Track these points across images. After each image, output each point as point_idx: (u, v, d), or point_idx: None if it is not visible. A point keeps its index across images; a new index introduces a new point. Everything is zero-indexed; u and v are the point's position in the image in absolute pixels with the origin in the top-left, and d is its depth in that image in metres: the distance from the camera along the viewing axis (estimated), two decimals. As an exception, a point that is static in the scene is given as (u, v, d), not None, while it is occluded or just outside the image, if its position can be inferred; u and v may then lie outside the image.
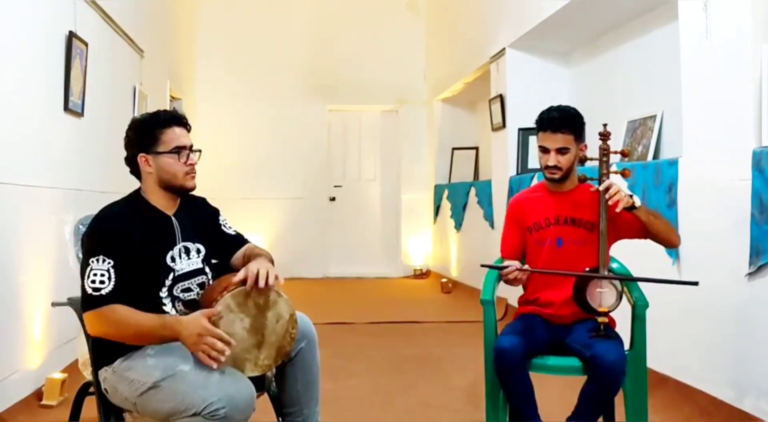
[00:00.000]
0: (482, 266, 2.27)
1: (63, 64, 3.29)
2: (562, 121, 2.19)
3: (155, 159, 1.85)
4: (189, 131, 1.92)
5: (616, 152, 2.17)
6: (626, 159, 3.45)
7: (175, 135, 1.86)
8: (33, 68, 3.01)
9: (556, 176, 2.22)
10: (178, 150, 1.86)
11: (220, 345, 1.65)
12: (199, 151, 1.92)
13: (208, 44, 7.40)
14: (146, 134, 1.86)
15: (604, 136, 2.13)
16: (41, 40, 3.10)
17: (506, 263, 2.16)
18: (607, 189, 2.06)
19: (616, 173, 2.13)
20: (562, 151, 2.19)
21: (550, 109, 2.24)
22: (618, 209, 2.05)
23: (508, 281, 2.15)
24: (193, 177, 1.90)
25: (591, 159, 2.16)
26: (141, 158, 1.86)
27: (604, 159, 2.12)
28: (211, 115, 7.15)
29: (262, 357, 1.78)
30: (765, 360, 2.39)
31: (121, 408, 1.80)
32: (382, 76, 7.55)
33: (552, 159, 2.19)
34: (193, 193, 1.97)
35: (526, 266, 2.14)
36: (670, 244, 2.22)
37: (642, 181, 3.09)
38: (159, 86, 5.51)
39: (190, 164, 1.88)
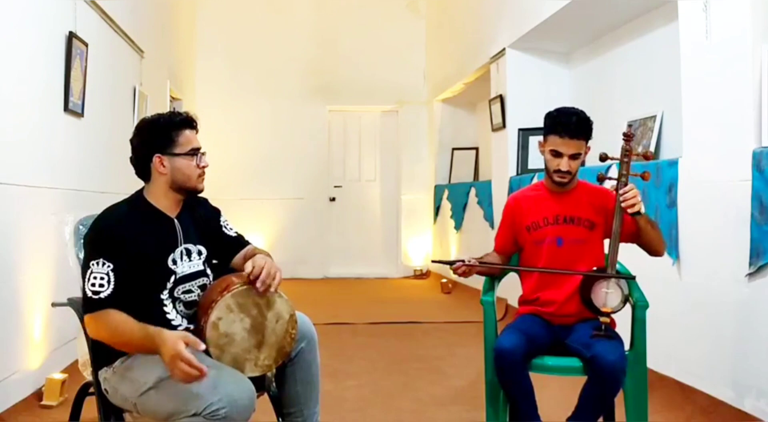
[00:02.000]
0: (433, 261, 2.50)
1: (63, 65, 3.29)
2: (580, 128, 2.15)
3: (171, 160, 1.85)
4: (197, 133, 1.92)
5: (638, 155, 2.12)
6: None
7: (189, 137, 1.87)
8: (33, 68, 3.01)
9: (566, 181, 2.21)
10: (194, 152, 1.87)
11: (194, 372, 1.55)
12: (205, 153, 1.93)
13: (208, 44, 7.40)
14: (162, 135, 1.85)
15: (628, 137, 2.08)
16: (41, 41, 3.10)
17: (455, 258, 2.19)
18: (626, 191, 2.03)
19: (635, 175, 2.10)
20: (574, 156, 2.17)
21: (569, 113, 2.17)
22: (630, 209, 2.02)
23: (459, 275, 2.19)
24: (204, 179, 1.91)
25: (612, 158, 2.10)
26: (156, 158, 1.84)
27: (626, 160, 2.07)
28: (211, 115, 7.11)
29: (262, 357, 1.78)
30: (765, 360, 2.39)
31: (121, 409, 1.80)
32: (382, 76, 7.55)
33: (564, 164, 2.17)
34: (195, 194, 1.97)
35: (473, 261, 2.16)
36: (656, 253, 2.21)
37: (642, 181, 3.09)
38: (159, 87, 5.51)
39: (203, 167, 1.89)
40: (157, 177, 1.87)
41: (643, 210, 2.06)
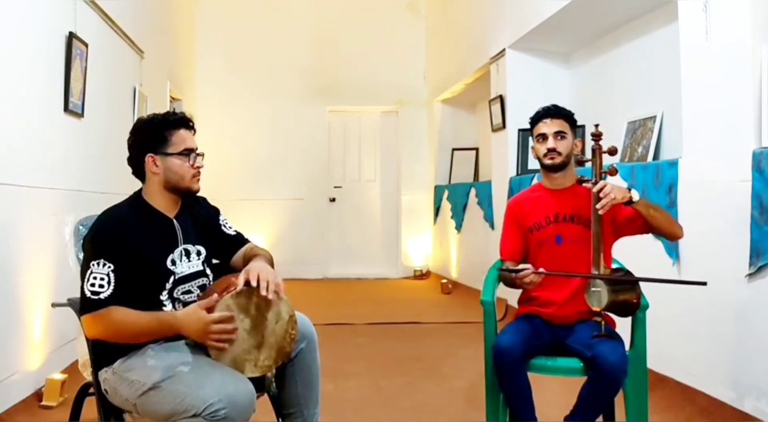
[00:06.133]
0: (500, 270, 2.24)
1: (63, 65, 3.30)
2: (557, 109, 2.26)
3: (163, 160, 1.85)
4: (194, 133, 1.92)
5: (604, 152, 2.16)
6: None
7: (183, 137, 1.87)
8: (33, 69, 3.01)
9: (557, 161, 2.22)
10: (187, 152, 1.86)
11: (229, 327, 1.71)
12: (202, 154, 1.93)
13: (208, 45, 7.41)
14: (155, 134, 1.85)
15: (597, 136, 2.13)
16: (41, 41, 3.10)
17: (521, 266, 2.11)
18: (599, 190, 2.05)
19: (604, 172, 2.13)
20: (559, 135, 2.22)
21: (546, 105, 2.31)
22: (602, 211, 2.02)
23: (522, 285, 2.12)
24: (199, 180, 1.91)
25: (587, 161, 2.16)
26: (149, 158, 1.84)
27: (596, 159, 2.12)
28: (211, 116, 7.15)
29: (262, 357, 1.78)
30: (765, 361, 2.39)
31: (121, 409, 1.80)
32: (382, 77, 7.56)
33: (551, 142, 2.22)
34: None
35: (542, 270, 2.11)
36: (673, 236, 2.19)
37: (642, 182, 3.10)
38: (159, 87, 5.51)
39: (197, 167, 1.88)
40: (150, 177, 1.87)
41: (636, 197, 2.06)
